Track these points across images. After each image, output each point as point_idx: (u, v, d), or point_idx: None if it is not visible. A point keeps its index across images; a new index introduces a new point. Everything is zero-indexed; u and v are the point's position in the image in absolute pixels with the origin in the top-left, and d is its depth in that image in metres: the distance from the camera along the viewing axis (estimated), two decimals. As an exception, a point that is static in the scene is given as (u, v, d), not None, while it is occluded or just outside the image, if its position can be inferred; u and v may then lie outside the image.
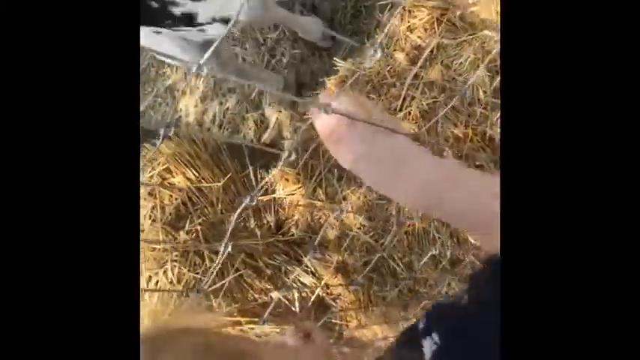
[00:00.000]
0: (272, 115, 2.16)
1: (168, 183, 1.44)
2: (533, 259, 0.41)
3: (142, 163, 1.50)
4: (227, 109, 2.30)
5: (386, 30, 1.34)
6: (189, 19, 1.21)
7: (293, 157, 0.91)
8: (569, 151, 0.40)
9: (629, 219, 0.38)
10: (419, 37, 1.35)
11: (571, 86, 0.40)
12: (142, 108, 2.58)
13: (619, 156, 0.39)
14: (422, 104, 1.31)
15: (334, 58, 1.51)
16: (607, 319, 0.38)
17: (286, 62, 2.07)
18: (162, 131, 0.80)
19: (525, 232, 0.41)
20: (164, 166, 1.43)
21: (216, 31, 1.27)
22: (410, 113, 1.34)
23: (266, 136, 2.15)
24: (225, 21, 1.26)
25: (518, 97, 0.41)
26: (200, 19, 1.22)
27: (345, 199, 1.51)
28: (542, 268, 0.40)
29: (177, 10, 1.17)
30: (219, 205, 1.46)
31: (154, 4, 1.13)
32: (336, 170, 1.54)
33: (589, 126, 0.39)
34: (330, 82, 1.49)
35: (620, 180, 0.39)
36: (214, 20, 1.25)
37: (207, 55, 0.74)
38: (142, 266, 1.35)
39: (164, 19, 1.18)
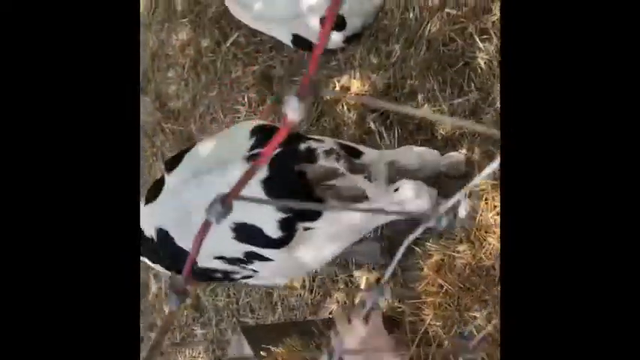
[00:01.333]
0: (361, 276, 2.21)
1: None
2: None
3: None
4: (316, 271, 2.38)
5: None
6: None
7: None
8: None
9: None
10: (511, 221, 1.40)
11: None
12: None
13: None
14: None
15: (427, 243, 1.58)
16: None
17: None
18: None
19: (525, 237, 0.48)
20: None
21: None
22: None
23: (358, 300, 2.20)
24: None
25: None
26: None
27: None
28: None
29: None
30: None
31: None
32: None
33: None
34: (427, 267, 1.56)
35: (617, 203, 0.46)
36: None
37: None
38: None
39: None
